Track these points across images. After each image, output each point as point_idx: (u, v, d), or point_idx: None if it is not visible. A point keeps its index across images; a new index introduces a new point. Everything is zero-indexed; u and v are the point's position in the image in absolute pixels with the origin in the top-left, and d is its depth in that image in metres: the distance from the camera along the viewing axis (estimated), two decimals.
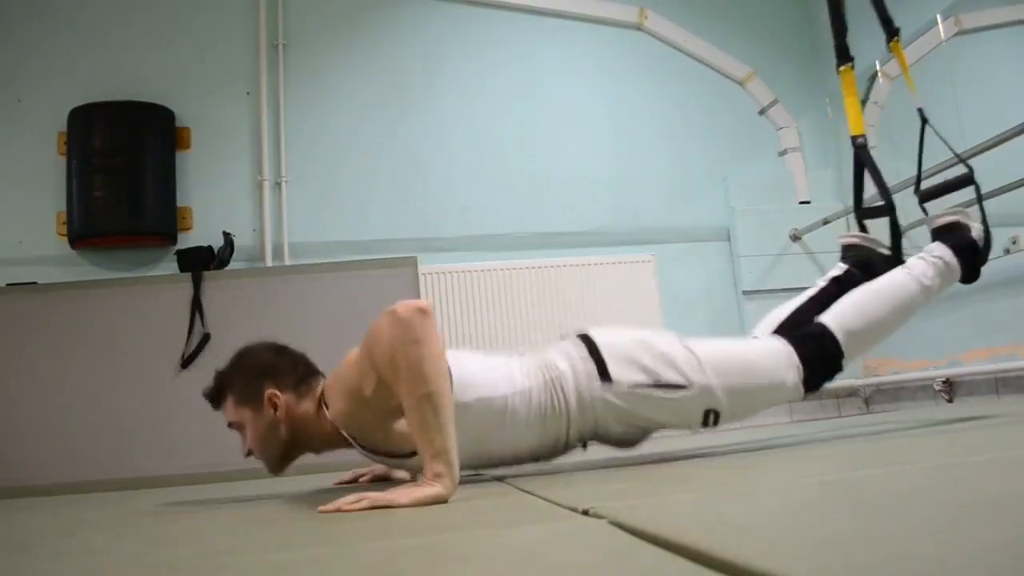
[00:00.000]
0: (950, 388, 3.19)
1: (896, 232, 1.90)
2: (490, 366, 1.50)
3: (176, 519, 1.34)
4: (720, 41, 4.03)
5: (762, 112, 4.03)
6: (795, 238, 3.78)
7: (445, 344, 1.38)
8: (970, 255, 1.74)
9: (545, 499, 1.04)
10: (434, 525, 0.93)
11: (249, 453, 1.55)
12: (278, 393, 1.50)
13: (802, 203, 3.89)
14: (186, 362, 2.87)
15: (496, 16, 3.89)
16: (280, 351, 1.59)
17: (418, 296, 3.01)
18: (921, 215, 1.95)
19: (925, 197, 1.93)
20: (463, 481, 1.46)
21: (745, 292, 3.74)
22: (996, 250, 2.00)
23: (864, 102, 3.45)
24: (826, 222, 3.63)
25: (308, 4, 3.74)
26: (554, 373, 1.51)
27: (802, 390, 1.58)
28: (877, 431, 1.87)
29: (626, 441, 1.59)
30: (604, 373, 1.49)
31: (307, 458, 1.63)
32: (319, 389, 1.53)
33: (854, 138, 2.07)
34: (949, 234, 1.77)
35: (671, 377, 1.49)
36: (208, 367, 2.89)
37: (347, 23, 3.76)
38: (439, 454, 1.17)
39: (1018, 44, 3.07)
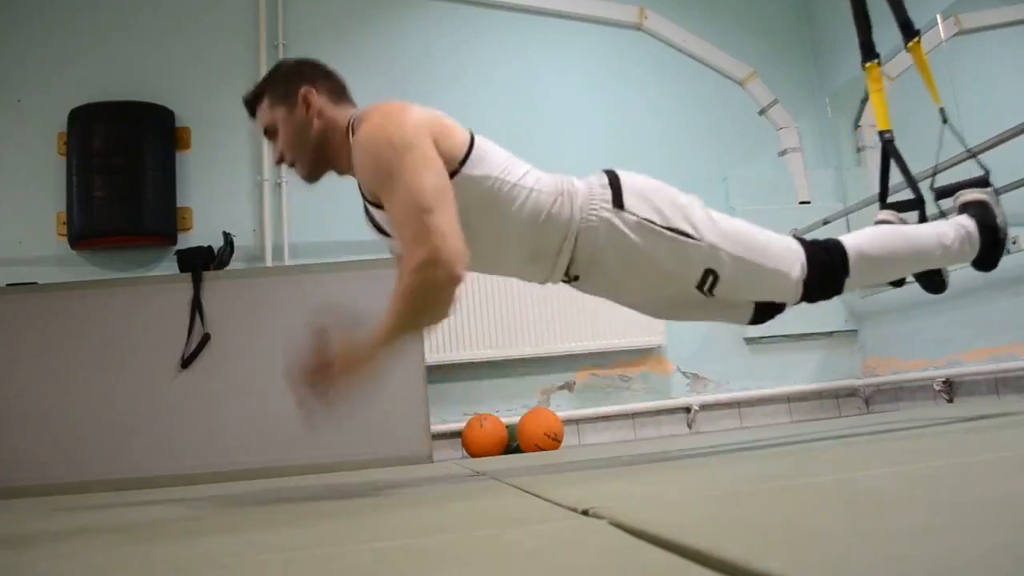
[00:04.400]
0: (950, 388, 3.19)
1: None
2: (513, 159, 1.51)
3: (175, 519, 1.34)
4: (720, 41, 4.03)
5: (762, 112, 4.03)
6: (795, 238, 3.77)
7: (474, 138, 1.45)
8: (991, 236, 1.74)
9: (545, 499, 1.04)
10: (434, 525, 0.93)
11: (280, 159, 1.54)
12: (313, 91, 1.50)
13: (802, 203, 3.88)
14: (186, 362, 2.87)
15: (496, 16, 3.89)
16: (319, 63, 1.59)
17: None
18: (934, 211, 1.98)
19: (941, 194, 1.95)
20: (463, 481, 1.46)
21: None
22: None
23: (865, 101, 3.45)
24: (826, 222, 3.62)
25: (308, 4, 3.74)
26: (569, 187, 1.52)
27: (801, 291, 1.58)
28: (877, 431, 1.87)
29: (611, 290, 1.59)
30: (618, 200, 1.51)
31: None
32: (351, 113, 1.53)
33: (881, 133, 2.10)
34: (976, 209, 1.78)
35: (682, 226, 1.50)
36: (208, 367, 2.93)
37: (347, 23, 3.76)
38: (383, 338, 1.31)
39: (1018, 44, 3.07)
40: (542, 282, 1.59)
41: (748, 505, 0.85)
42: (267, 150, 3.54)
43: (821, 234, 3.59)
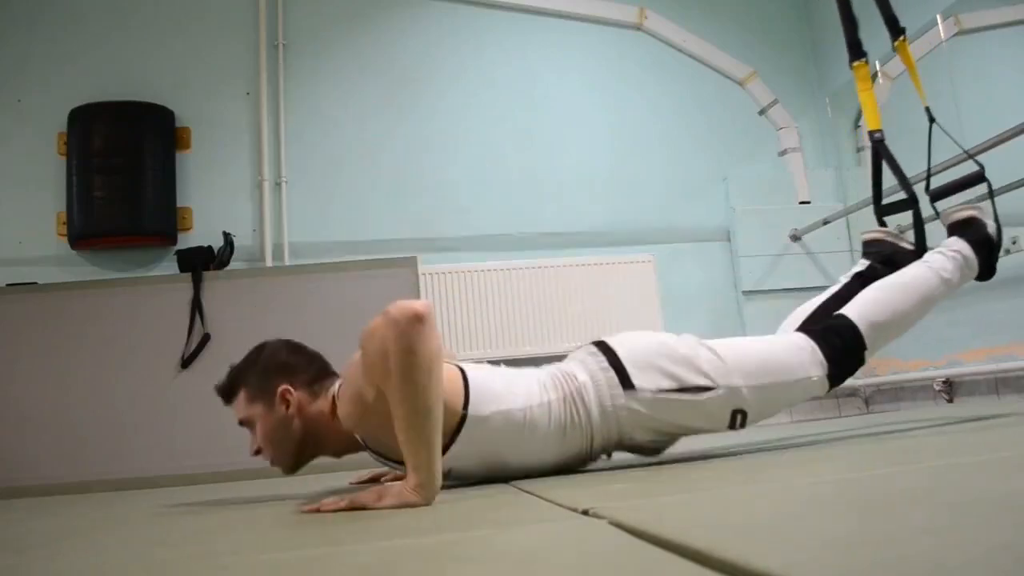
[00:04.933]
0: (950, 388, 3.19)
1: (919, 225, 1.88)
2: (508, 379, 1.48)
3: (176, 519, 1.34)
4: (720, 41, 4.03)
5: (762, 112, 4.03)
6: (795, 238, 3.78)
7: (447, 350, 1.35)
8: (987, 250, 1.74)
9: (545, 499, 1.04)
10: (434, 525, 0.93)
11: (257, 452, 1.51)
12: (291, 390, 1.47)
13: (802, 203, 3.88)
14: (186, 362, 2.87)
15: (496, 16, 3.89)
16: (296, 349, 1.56)
17: (418, 296, 3.01)
18: (930, 212, 1.96)
19: (937, 195, 1.93)
20: (466, 485, 1.46)
21: (745, 292, 3.74)
22: None
23: None
24: (826, 222, 3.63)
25: (308, 4, 3.74)
26: (574, 385, 1.47)
27: (827, 385, 1.57)
28: (877, 431, 1.87)
29: (652, 448, 1.56)
30: (626, 381, 1.46)
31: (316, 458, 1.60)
32: (333, 389, 1.49)
33: (871, 132, 2.06)
34: (966, 229, 1.76)
35: (696, 380, 1.46)
36: (208, 367, 2.93)
37: (347, 23, 3.76)
38: (420, 467, 1.14)
39: (1018, 44, 3.07)
40: (582, 467, 1.57)
41: (748, 505, 0.85)
42: (267, 150, 3.55)
43: (821, 233, 3.64)
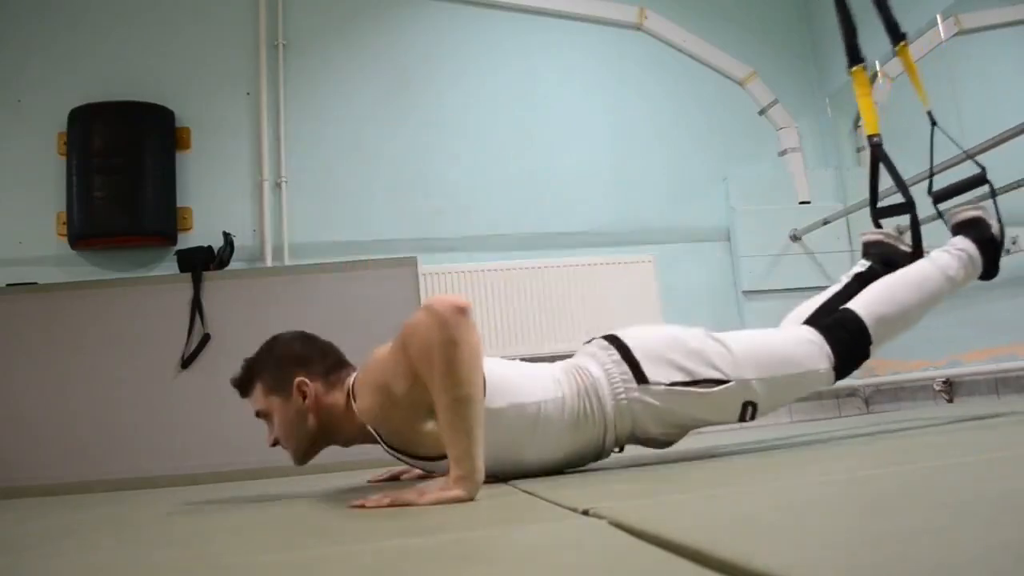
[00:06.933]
0: (950, 388, 3.19)
1: (916, 229, 1.90)
2: (523, 372, 1.49)
3: (176, 519, 1.34)
4: (720, 41, 4.03)
5: (762, 112, 4.03)
6: (795, 238, 3.78)
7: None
8: (992, 250, 1.75)
9: (545, 499, 1.04)
10: (434, 525, 0.93)
11: (275, 443, 1.53)
12: (307, 381, 1.49)
13: (802, 203, 3.88)
14: (186, 362, 2.87)
15: (496, 16, 3.89)
16: (310, 340, 1.58)
17: (419, 296, 3.01)
18: (931, 213, 1.97)
19: (939, 197, 1.94)
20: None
21: (745, 292, 3.74)
22: None
23: None
24: (826, 222, 3.63)
25: (308, 4, 3.74)
26: (587, 379, 1.49)
27: (833, 377, 1.59)
28: (877, 431, 1.87)
29: (664, 441, 1.57)
30: (639, 375, 1.47)
31: (325, 456, 1.61)
32: (349, 381, 1.51)
33: (870, 137, 2.07)
34: (971, 228, 1.78)
35: (707, 373, 1.48)
36: (208, 367, 2.93)
37: (347, 23, 3.76)
38: (464, 458, 1.15)
39: (1018, 44, 3.07)
40: (596, 460, 1.59)
41: (748, 505, 0.85)
42: (267, 150, 3.55)
43: (821, 233, 3.64)
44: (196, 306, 2.93)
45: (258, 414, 1.54)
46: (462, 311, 1.20)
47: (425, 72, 3.77)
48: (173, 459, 2.79)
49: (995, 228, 1.79)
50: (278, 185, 3.54)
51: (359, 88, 3.69)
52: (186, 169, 3.47)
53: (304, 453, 1.55)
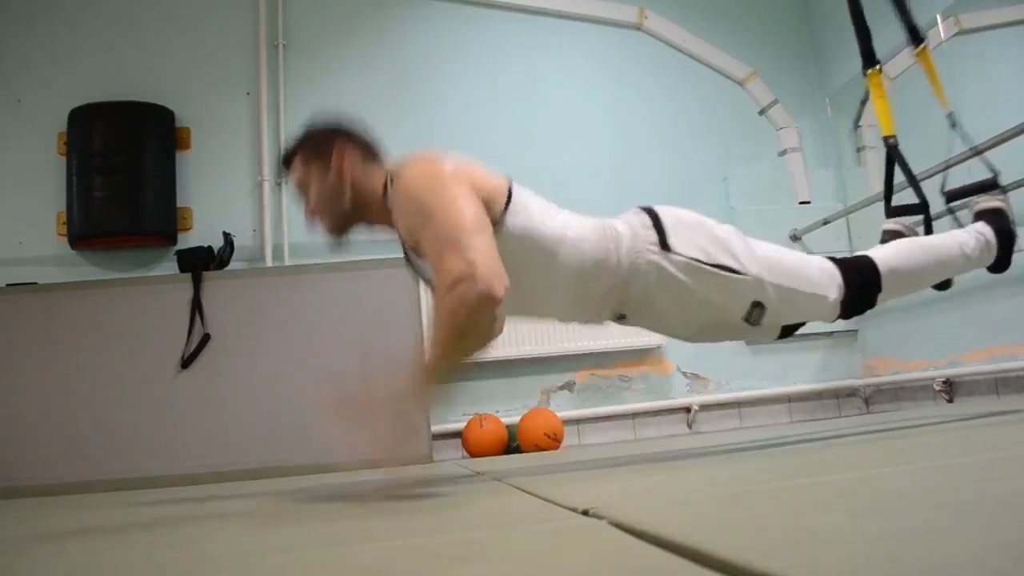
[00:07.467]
0: (950, 388, 3.19)
1: (929, 228, 1.96)
2: (548, 208, 1.52)
3: (176, 519, 1.34)
4: (720, 41, 4.03)
5: (762, 112, 4.03)
6: (795, 238, 3.78)
7: (512, 185, 1.45)
8: (1008, 242, 1.79)
9: (545, 499, 1.04)
10: (434, 525, 0.93)
11: (312, 214, 1.56)
12: (346, 152, 1.53)
13: (802, 203, 3.88)
14: (186, 362, 2.87)
15: (496, 16, 3.89)
16: (351, 121, 1.61)
17: (419, 296, 3.00)
18: (941, 210, 2.02)
19: (952, 197, 1.98)
20: (464, 481, 1.46)
21: None
22: None
23: (865, 101, 3.44)
24: (826, 222, 3.63)
25: (308, 4, 3.74)
26: (612, 232, 1.52)
27: (838, 311, 1.61)
28: (877, 431, 1.87)
29: (658, 322, 1.59)
30: (664, 243, 1.50)
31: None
32: (386, 172, 1.54)
33: (886, 138, 2.14)
34: (993, 216, 1.82)
35: (727, 261, 1.51)
36: (208, 367, 2.93)
37: (347, 23, 3.76)
38: (425, 381, 1.29)
39: (1018, 44, 3.07)
40: (584, 323, 1.60)
41: (748, 505, 0.85)
42: (267, 150, 3.55)
43: (821, 233, 3.64)
44: (196, 306, 2.93)
45: (297, 187, 1.57)
46: (494, 301, 1.26)
47: (425, 72, 3.77)
48: (173, 459, 2.79)
49: (1013, 224, 1.82)
50: (278, 185, 3.54)
51: (359, 88, 3.69)
52: (186, 169, 3.47)
53: (337, 227, 1.57)
